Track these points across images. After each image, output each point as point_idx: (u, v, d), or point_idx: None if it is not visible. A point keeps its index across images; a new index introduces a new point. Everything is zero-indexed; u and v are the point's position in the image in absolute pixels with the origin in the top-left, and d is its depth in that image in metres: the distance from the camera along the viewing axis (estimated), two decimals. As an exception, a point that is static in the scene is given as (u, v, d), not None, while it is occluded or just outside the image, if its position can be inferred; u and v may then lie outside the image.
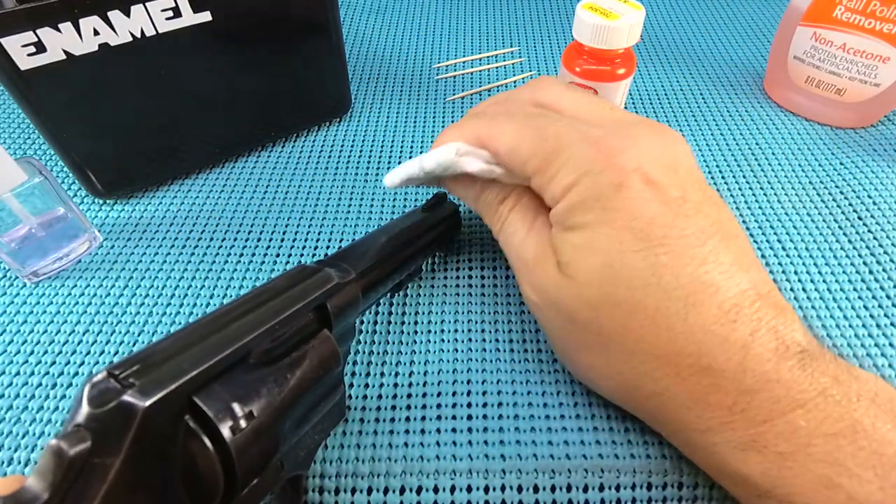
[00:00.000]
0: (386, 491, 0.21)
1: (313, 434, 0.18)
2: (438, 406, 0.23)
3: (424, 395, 0.23)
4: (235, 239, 0.31)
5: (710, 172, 0.34)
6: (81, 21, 0.25)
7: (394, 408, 0.23)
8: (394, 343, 0.25)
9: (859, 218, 0.31)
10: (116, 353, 0.25)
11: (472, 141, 0.21)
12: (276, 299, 0.17)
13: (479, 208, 0.24)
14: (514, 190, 0.22)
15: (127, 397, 0.13)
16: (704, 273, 0.17)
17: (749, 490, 0.17)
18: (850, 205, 0.32)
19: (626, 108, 0.39)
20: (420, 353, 0.25)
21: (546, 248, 0.20)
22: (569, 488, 0.21)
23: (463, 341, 0.25)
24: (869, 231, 0.30)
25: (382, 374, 0.24)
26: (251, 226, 0.31)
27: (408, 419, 0.23)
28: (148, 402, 0.13)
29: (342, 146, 0.37)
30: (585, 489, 0.21)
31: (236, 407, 0.14)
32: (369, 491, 0.21)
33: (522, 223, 0.22)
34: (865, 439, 0.16)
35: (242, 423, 0.14)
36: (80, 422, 0.12)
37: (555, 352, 0.23)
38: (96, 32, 0.26)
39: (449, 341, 0.25)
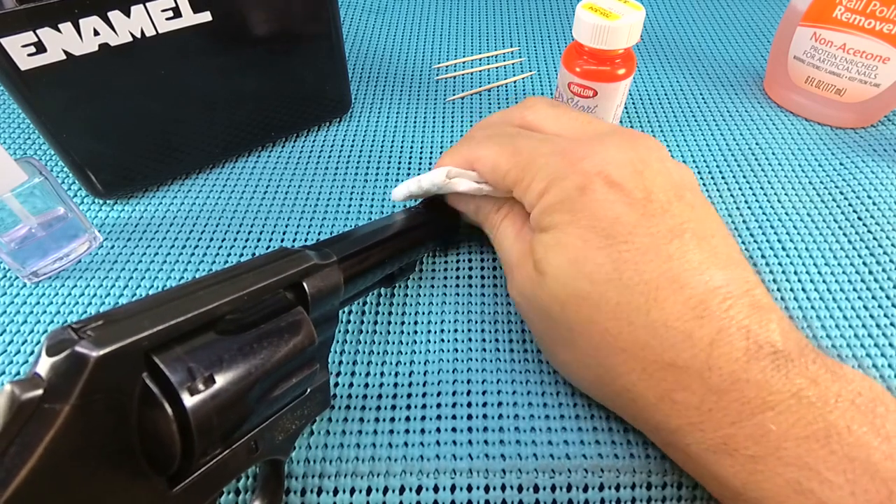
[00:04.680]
0: (386, 491, 0.21)
1: (291, 417, 0.18)
2: (438, 406, 0.23)
3: (424, 394, 0.23)
4: (235, 239, 0.31)
5: (710, 172, 0.34)
6: (81, 21, 0.25)
7: (394, 407, 0.23)
8: (394, 343, 0.25)
9: (859, 218, 0.31)
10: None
11: (462, 164, 0.24)
12: (249, 273, 0.17)
13: (478, 219, 0.26)
14: (506, 202, 0.24)
15: (79, 347, 0.13)
16: (668, 270, 0.18)
17: (724, 491, 0.18)
18: (850, 205, 0.32)
19: (626, 108, 0.39)
20: (420, 352, 0.25)
21: (527, 251, 0.22)
22: (569, 488, 0.21)
23: (463, 341, 0.25)
24: (869, 231, 0.30)
25: (382, 374, 0.24)
26: (251, 226, 0.31)
27: (408, 419, 0.23)
28: (100, 352, 0.13)
29: (342, 146, 0.37)
30: (585, 489, 0.21)
31: (196, 369, 0.14)
32: (369, 491, 0.21)
33: (511, 229, 0.23)
34: (839, 443, 0.15)
35: (201, 386, 0.14)
36: (37, 370, 0.13)
37: (540, 350, 0.24)
38: (96, 32, 0.26)
39: (449, 341, 0.25)
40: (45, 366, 0.13)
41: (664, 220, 0.19)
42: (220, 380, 0.15)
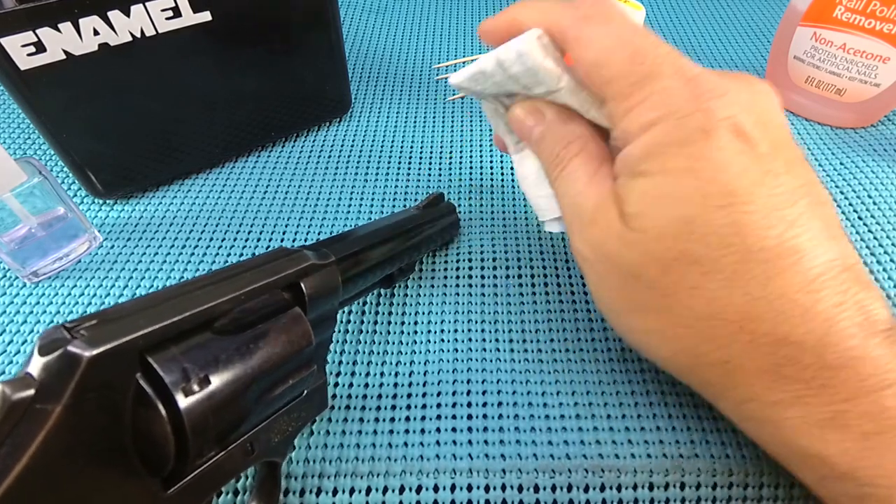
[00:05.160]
0: (386, 491, 0.21)
1: (288, 419, 0.18)
2: (438, 406, 0.23)
3: (424, 394, 0.23)
4: (235, 239, 0.31)
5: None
6: (81, 21, 0.25)
7: (394, 407, 0.23)
8: (393, 343, 0.25)
9: (859, 218, 0.31)
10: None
11: (554, 32, 0.19)
12: (247, 273, 0.17)
13: (539, 148, 0.21)
14: (580, 136, 0.20)
15: (72, 347, 0.13)
16: (793, 237, 0.16)
17: (823, 471, 0.16)
18: (851, 204, 0.32)
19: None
20: (420, 352, 0.25)
21: (608, 198, 0.18)
22: (569, 488, 0.21)
23: (463, 341, 0.25)
24: (869, 231, 0.30)
25: (382, 374, 0.24)
26: (251, 226, 0.31)
27: (408, 419, 0.23)
28: (93, 352, 0.13)
29: (342, 146, 0.37)
30: (586, 489, 0.21)
31: (191, 369, 0.14)
32: (369, 491, 0.21)
33: (584, 170, 0.20)
34: None
35: (196, 387, 0.14)
36: (29, 370, 0.13)
37: (603, 313, 0.21)
38: (96, 32, 0.26)
39: (449, 341, 0.25)
40: (37, 365, 0.13)
41: (787, 181, 0.16)
42: (216, 380, 0.14)
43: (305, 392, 0.19)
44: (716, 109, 0.16)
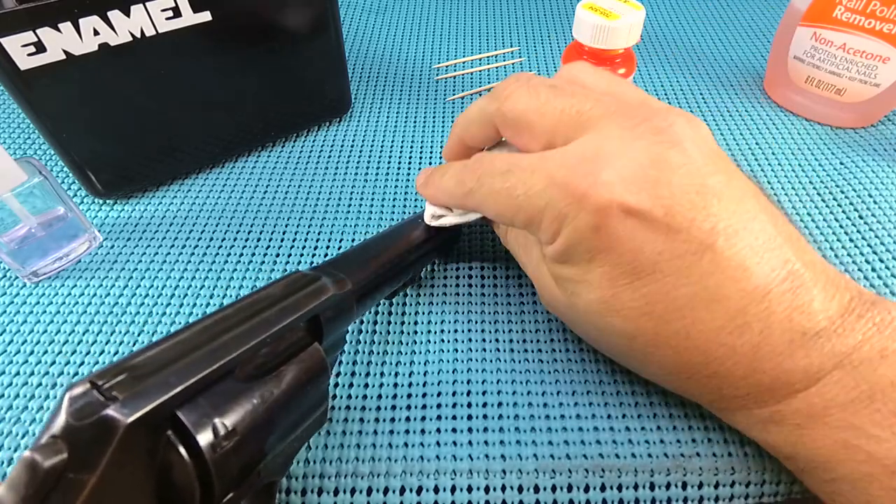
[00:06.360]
0: (386, 491, 0.21)
1: (294, 442, 0.18)
2: (438, 406, 0.23)
3: (424, 395, 0.23)
4: (235, 239, 0.31)
5: (710, 172, 0.34)
6: (81, 21, 0.25)
7: (394, 408, 0.23)
8: (394, 343, 0.25)
9: (860, 217, 0.31)
10: (116, 353, 0.25)
11: (460, 208, 0.24)
12: (269, 310, 0.17)
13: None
14: None
15: (110, 412, 0.12)
16: (702, 290, 0.17)
17: (777, 453, 0.19)
18: (851, 204, 0.32)
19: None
20: (420, 353, 0.25)
21: (547, 270, 0.21)
22: (569, 488, 0.21)
23: (463, 341, 0.25)
24: (870, 230, 0.30)
25: (382, 374, 0.24)
26: (251, 226, 0.31)
27: (408, 419, 0.23)
28: (131, 419, 0.12)
29: (342, 146, 0.37)
30: (587, 489, 0.21)
31: (219, 423, 0.14)
32: (369, 491, 0.21)
33: (519, 245, 0.23)
34: (883, 401, 0.16)
35: (224, 440, 0.14)
36: (57, 433, 0.12)
37: None
38: (96, 32, 0.26)
39: (449, 341, 0.25)
40: (66, 428, 0.12)
41: (691, 234, 0.17)
42: (242, 430, 0.15)
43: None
44: (597, 201, 0.17)
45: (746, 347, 0.17)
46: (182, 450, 0.14)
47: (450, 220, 0.24)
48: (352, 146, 0.37)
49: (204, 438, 0.14)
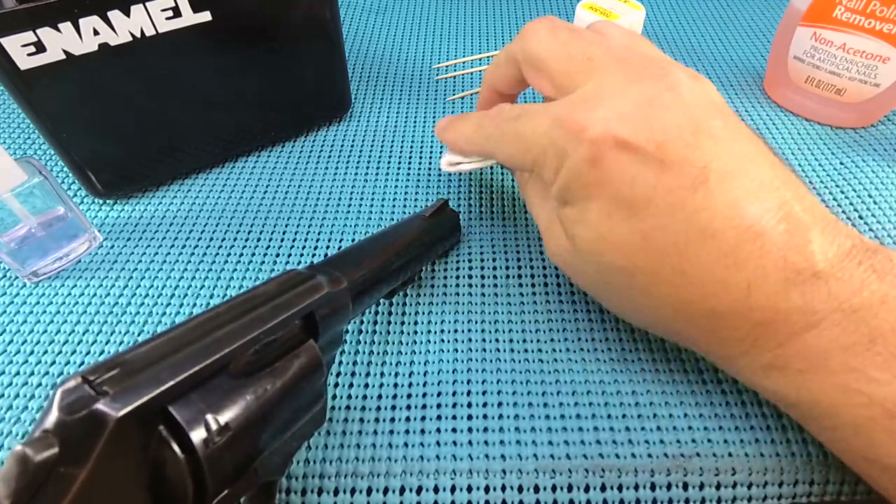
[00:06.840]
0: (386, 491, 0.21)
1: (291, 441, 0.18)
2: (438, 406, 0.23)
3: (424, 395, 0.23)
4: (235, 239, 0.31)
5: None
6: (81, 21, 0.25)
7: (394, 408, 0.23)
8: (394, 343, 0.25)
9: (860, 217, 0.31)
10: (116, 353, 0.25)
11: (476, 153, 0.25)
12: (263, 307, 0.17)
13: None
14: None
15: (100, 406, 0.12)
16: (695, 223, 0.17)
17: (779, 401, 0.19)
18: (851, 204, 0.32)
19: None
20: (420, 353, 0.25)
21: (554, 217, 0.22)
22: (570, 488, 0.21)
23: (463, 341, 0.25)
24: (870, 230, 0.30)
25: (382, 374, 0.24)
26: (251, 226, 0.31)
27: (408, 419, 0.23)
28: (121, 413, 0.12)
29: (342, 146, 0.37)
30: (587, 489, 0.20)
31: (211, 419, 0.14)
32: (369, 491, 0.21)
33: (535, 195, 0.24)
34: (883, 345, 0.16)
35: (217, 436, 0.14)
36: (49, 427, 0.12)
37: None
38: (96, 32, 0.26)
39: (449, 341, 0.25)
40: (57, 423, 0.12)
41: (683, 170, 0.17)
42: (235, 427, 0.14)
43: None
44: (593, 135, 0.18)
45: (741, 284, 0.17)
46: (175, 445, 0.13)
47: (466, 165, 0.26)
48: (352, 146, 0.37)
49: (196, 434, 0.14)
